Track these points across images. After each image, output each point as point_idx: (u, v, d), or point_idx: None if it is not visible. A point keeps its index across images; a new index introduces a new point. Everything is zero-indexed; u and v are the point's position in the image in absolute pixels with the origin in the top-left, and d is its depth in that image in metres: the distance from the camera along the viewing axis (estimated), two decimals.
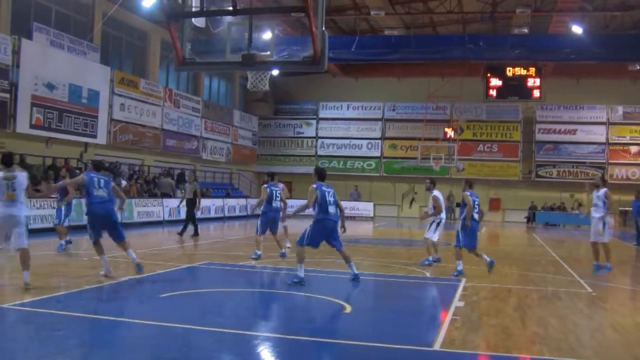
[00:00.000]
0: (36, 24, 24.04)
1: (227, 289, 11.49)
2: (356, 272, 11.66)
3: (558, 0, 28.46)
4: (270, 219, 15.36)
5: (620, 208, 35.73)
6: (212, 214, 32.51)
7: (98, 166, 12.27)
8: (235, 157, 41.39)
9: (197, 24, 9.79)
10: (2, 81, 22.10)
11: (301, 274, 11.24)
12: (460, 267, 13.28)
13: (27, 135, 23.54)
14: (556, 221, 39.73)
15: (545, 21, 32.16)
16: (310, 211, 11.72)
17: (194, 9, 8.33)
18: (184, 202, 21.44)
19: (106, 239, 11.64)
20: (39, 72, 23.56)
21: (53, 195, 17.46)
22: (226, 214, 34.31)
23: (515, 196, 42.08)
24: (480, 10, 32.03)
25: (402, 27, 34.68)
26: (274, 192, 15.36)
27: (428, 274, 13.73)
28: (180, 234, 20.50)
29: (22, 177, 9.90)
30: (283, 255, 15.36)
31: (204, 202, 30.93)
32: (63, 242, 15.43)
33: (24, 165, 21.26)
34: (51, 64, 24.05)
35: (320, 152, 44.79)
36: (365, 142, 44.21)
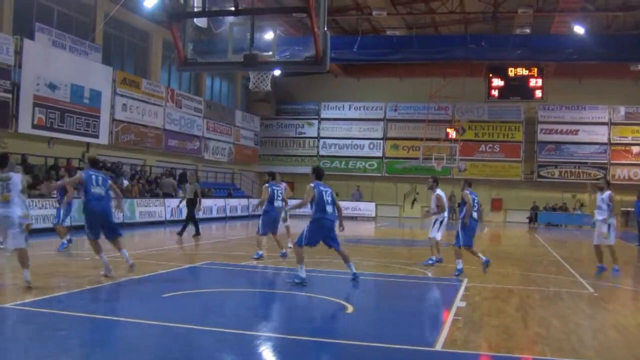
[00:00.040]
0: (38, 24, 24.05)
1: (228, 289, 11.49)
2: (355, 271, 11.65)
3: (560, 0, 28.43)
4: (272, 219, 15.37)
5: (622, 208, 35.71)
6: (214, 214, 32.53)
7: (95, 163, 12.25)
8: (237, 157, 41.40)
9: (199, 24, 9.81)
10: (5, 81, 22.12)
11: (302, 274, 11.23)
12: (460, 266, 13.34)
13: (29, 136, 23.55)
14: (558, 221, 39.75)
15: (547, 21, 32.13)
16: (308, 211, 11.72)
17: (195, 9, 8.32)
18: (184, 202, 21.42)
19: (103, 240, 11.66)
20: (41, 72, 23.58)
21: (53, 195, 17.47)
22: (228, 214, 34.32)
23: (517, 196, 42.05)
24: (482, 10, 32.01)
25: (404, 27, 34.67)
26: (276, 191, 15.37)
27: (430, 274, 13.72)
28: (180, 234, 20.47)
29: (17, 178, 9.89)
30: (284, 255, 15.35)
31: (206, 202, 30.97)
32: (65, 241, 15.45)
33: (26, 165, 21.30)
34: (53, 64, 24.07)
35: (322, 152, 44.80)
36: (367, 142, 44.20)
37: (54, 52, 24.33)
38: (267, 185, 15.53)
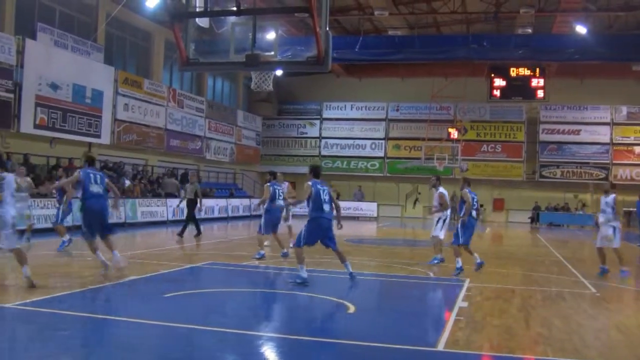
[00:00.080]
0: (40, 24, 24.07)
1: (230, 289, 11.49)
2: (351, 271, 11.60)
3: (562, 0, 28.41)
4: (273, 218, 15.38)
5: (624, 209, 35.63)
6: (216, 214, 32.54)
7: (92, 161, 12.24)
8: (239, 157, 41.41)
9: (201, 24, 9.81)
10: (6, 81, 22.13)
11: (304, 274, 11.23)
12: (459, 265, 13.41)
13: (31, 136, 23.57)
14: (560, 221, 39.73)
15: (549, 21, 32.11)
16: (305, 210, 11.70)
17: (197, 9, 8.33)
18: (184, 202, 21.38)
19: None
20: (43, 72, 23.59)
21: (54, 196, 17.48)
22: (230, 214, 34.33)
23: (519, 196, 42.02)
24: (484, 10, 32.01)
25: (405, 27, 34.67)
26: (277, 190, 15.39)
27: (432, 274, 13.72)
28: (180, 234, 20.44)
29: (10, 178, 9.86)
30: (285, 255, 15.34)
31: (208, 202, 31.00)
32: (65, 239, 15.47)
33: (28, 165, 21.32)
34: (55, 64, 24.08)
35: (323, 152, 44.80)
36: (369, 142, 44.19)
37: (55, 52, 24.34)
38: (268, 184, 15.53)
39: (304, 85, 43.75)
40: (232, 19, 8.30)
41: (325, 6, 7.63)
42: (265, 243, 17.48)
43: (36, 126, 23.42)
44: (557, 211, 40.66)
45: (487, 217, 41.65)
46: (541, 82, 34.95)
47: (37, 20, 24.24)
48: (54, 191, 16.39)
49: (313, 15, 7.50)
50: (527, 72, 34.86)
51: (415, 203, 42.83)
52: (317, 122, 45.14)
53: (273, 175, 16.24)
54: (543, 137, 41.81)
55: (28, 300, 8.94)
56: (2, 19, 23.21)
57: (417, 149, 40.47)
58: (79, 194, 11.74)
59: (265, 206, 15.27)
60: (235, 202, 35.80)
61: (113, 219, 23.47)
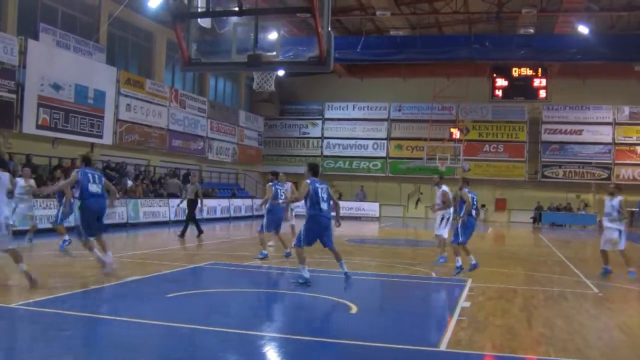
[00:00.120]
0: (42, 25, 24.10)
1: (232, 289, 11.49)
2: (347, 270, 11.52)
3: (564, 0, 28.40)
4: (276, 217, 15.39)
5: (627, 209, 35.59)
6: (218, 214, 32.56)
7: (89, 161, 12.23)
8: (241, 158, 41.42)
9: (202, 25, 9.80)
10: (9, 82, 22.17)
11: (306, 274, 11.20)
12: (459, 264, 13.46)
13: (34, 136, 23.60)
14: (562, 222, 39.70)
15: (551, 21, 32.10)
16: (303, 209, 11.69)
17: (199, 10, 8.33)
18: (185, 203, 21.33)
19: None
20: (45, 73, 23.63)
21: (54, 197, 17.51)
22: (232, 214, 34.34)
23: (521, 196, 41.99)
24: (486, 10, 32.00)
25: (407, 27, 34.68)
26: (279, 190, 15.41)
27: (434, 274, 13.72)
28: (181, 235, 20.43)
29: (5, 178, 9.85)
30: (288, 255, 15.33)
31: (210, 203, 31.03)
32: (65, 238, 15.49)
33: (30, 165, 21.32)
34: (57, 65, 24.11)
35: (325, 153, 44.79)
36: (371, 142, 44.19)
37: (58, 53, 24.37)
38: (270, 184, 15.56)
39: (306, 86, 43.76)
40: (234, 19, 8.31)
41: (327, 6, 7.64)
42: (270, 243, 17.50)
43: (38, 126, 23.46)
44: (559, 211, 40.64)
45: (489, 217, 41.65)
46: (543, 82, 34.97)
47: (40, 21, 24.27)
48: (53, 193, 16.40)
49: (315, 15, 7.51)
50: (529, 72, 34.87)
51: (417, 203, 42.81)
52: (319, 122, 45.15)
53: (275, 175, 16.28)
54: (545, 137, 41.77)
55: (31, 300, 8.95)
56: (5, 20, 23.25)
57: (419, 149, 40.47)
58: (77, 194, 11.69)
59: (267, 206, 15.31)
60: (237, 202, 35.81)
61: (115, 218, 23.73)
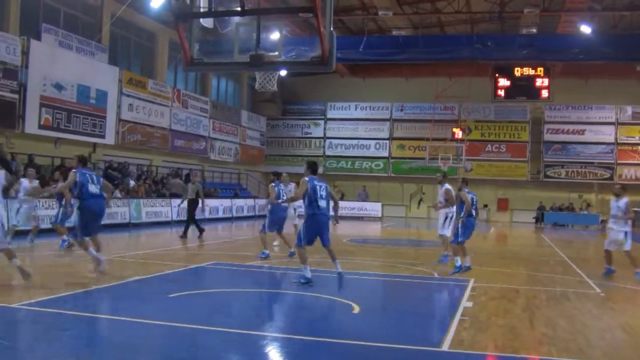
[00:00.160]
0: (45, 25, 24.13)
1: (234, 289, 11.49)
2: (340, 270, 11.49)
3: (566, 0, 28.37)
4: (278, 218, 15.41)
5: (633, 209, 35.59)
6: (220, 214, 32.56)
7: (85, 161, 12.21)
8: (243, 158, 41.43)
9: (205, 25, 9.79)
10: (11, 82, 22.19)
11: (307, 274, 11.20)
12: (458, 263, 13.51)
13: (36, 136, 23.63)
14: (564, 221, 39.65)
15: (554, 21, 32.06)
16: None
17: (202, 10, 8.32)
18: (185, 203, 21.30)
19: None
20: (48, 73, 23.65)
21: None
22: (234, 214, 34.35)
23: (524, 196, 41.97)
24: (489, 10, 31.96)
25: (409, 27, 34.64)
26: (281, 191, 15.45)
27: (436, 274, 13.72)
28: (183, 236, 20.43)
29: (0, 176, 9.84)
30: (292, 255, 15.31)
31: (212, 203, 31.05)
32: (65, 238, 15.51)
33: (33, 165, 21.34)
34: (60, 65, 24.13)
35: (328, 153, 44.79)
36: (373, 142, 44.18)
37: (60, 53, 24.40)
38: (273, 184, 15.60)
39: (308, 86, 43.75)
40: (237, 19, 8.30)
41: (330, 6, 7.63)
42: (275, 243, 17.53)
43: (41, 126, 23.49)
44: (561, 211, 40.60)
45: (492, 217, 41.61)
46: (545, 82, 34.88)
47: (42, 21, 24.30)
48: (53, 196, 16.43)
49: (317, 15, 7.50)
50: (531, 72, 34.78)
51: (419, 203, 42.80)
52: (322, 122, 45.16)
53: (277, 175, 16.35)
54: (547, 137, 41.75)
55: (33, 301, 8.95)
56: (7, 20, 23.27)
57: (421, 149, 40.48)
58: (75, 194, 11.63)
59: (269, 207, 15.34)
60: (239, 202, 35.82)
61: (118, 218, 23.77)
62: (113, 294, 10.25)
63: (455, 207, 15.22)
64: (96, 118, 26.38)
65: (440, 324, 9.13)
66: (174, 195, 29.12)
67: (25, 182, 15.93)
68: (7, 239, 9.97)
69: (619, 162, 40.65)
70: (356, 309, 9.43)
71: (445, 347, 7.33)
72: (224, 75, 40.14)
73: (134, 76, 29.93)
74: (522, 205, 42.00)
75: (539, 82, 34.89)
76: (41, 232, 17.69)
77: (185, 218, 21.54)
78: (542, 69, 34.73)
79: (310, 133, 45.38)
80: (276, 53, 8.24)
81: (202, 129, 35.99)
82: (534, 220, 40.59)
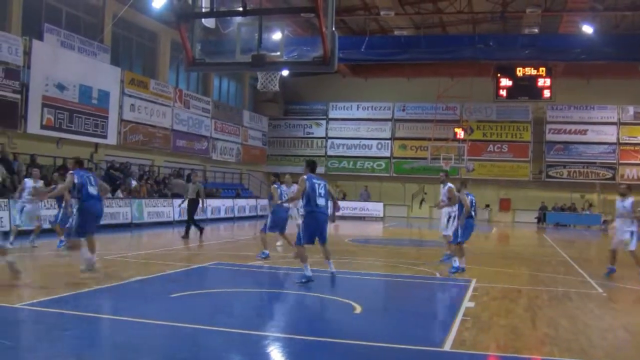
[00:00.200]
0: (47, 25, 24.14)
1: (236, 289, 11.50)
2: (333, 270, 11.47)
3: (568, 0, 28.35)
4: (279, 218, 15.41)
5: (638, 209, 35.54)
6: (222, 214, 32.56)
7: (81, 163, 12.20)
8: (245, 158, 41.43)
9: (207, 25, 9.80)
10: (13, 82, 22.20)
11: (308, 273, 11.22)
12: (456, 264, 13.58)
13: (38, 136, 23.64)
14: (567, 222, 39.62)
15: (556, 21, 32.03)
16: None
17: (203, 10, 8.32)
18: (186, 203, 21.28)
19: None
20: (50, 73, 23.66)
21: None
22: (236, 214, 34.35)
23: (526, 196, 41.93)
24: (491, 10, 31.94)
25: (411, 27, 34.63)
26: (282, 192, 15.49)
27: (438, 274, 13.72)
28: (185, 236, 20.43)
29: None
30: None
31: (214, 203, 31.06)
32: (63, 239, 15.52)
33: (35, 165, 21.36)
34: (62, 65, 24.14)
35: (330, 153, 44.78)
36: (375, 142, 44.17)
37: (62, 53, 24.41)
38: (275, 185, 15.64)
39: (310, 86, 43.74)
40: (238, 19, 8.29)
41: (331, 6, 7.62)
42: (278, 243, 17.53)
43: (43, 127, 23.50)
44: (563, 211, 40.54)
45: (494, 217, 41.59)
46: (547, 82, 34.84)
47: (44, 21, 24.31)
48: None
49: (319, 15, 7.49)
50: (533, 72, 34.74)
51: (421, 203, 42.74)
52: (323, 122, 45.15)
53: (277, 176, 16.42)
54: (549, 137, 41.71)
55: (35, 301, 8.97)
56: (9, 20, 23.28)
57: (423, 149, 40.48)
58: (74, 195, 11.63)
59: (272, 207, 15.35)
60: (241, 202, 35.82)
61: (119, 219, 23.78)
62: (115, 294, 10.25)
63: (457, 206, 15.26)
64: (98, 118, 26.39)
65: (442, 324, 9.13)
66: (176, 196, 29.12)
67: (29, 182, 15.93)
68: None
69: (621, 162, 40.59)
70: (358, 309, 9.43)
71: (447, 347, 7.32)
72: (226, 75, 40.15)
73: (136, 76, 29.95)
74: (524, 206, 41.95)
75: (541, 82, 34.85)
76: (42, 233, 17.69)
77: (186, 218, 21.54)
78: (544, 69, 34.70)
79: (312, 133, 45.38)
80: (278, 53, 8.23)
81: (204, 129, 36.00)
82: (536, 221, 40.53)
